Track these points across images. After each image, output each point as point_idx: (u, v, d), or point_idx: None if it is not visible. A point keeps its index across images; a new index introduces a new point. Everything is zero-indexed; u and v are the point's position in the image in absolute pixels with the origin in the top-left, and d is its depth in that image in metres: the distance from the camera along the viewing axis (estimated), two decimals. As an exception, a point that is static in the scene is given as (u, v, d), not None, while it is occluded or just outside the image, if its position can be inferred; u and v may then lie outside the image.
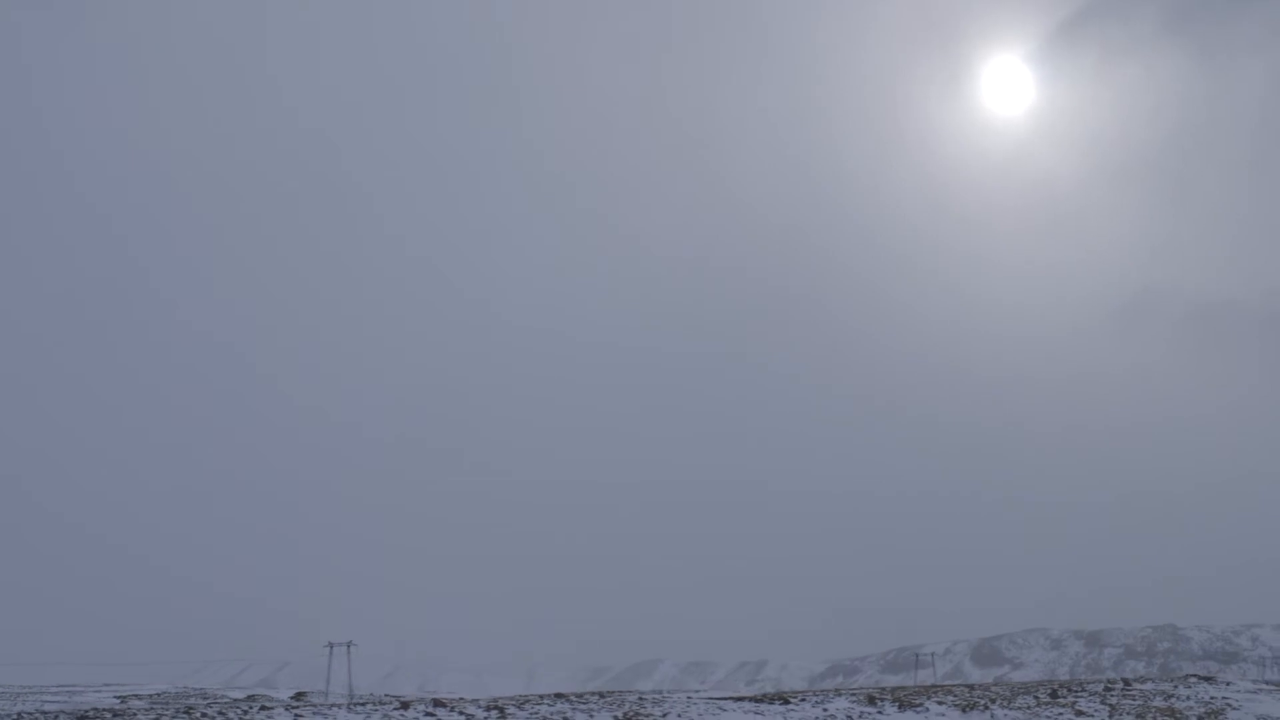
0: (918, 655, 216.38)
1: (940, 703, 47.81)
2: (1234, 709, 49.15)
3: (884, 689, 53.33)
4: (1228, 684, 57.20)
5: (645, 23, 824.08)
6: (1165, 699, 50.88)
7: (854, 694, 50.62)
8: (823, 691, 53.47)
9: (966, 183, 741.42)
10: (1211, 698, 52.01)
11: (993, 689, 53.72)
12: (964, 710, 46.69)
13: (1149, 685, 55.05)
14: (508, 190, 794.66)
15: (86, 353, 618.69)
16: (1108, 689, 53.20)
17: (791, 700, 48.33)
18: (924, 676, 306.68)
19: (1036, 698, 50.13)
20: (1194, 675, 62.92)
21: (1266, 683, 72.91)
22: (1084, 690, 52.84)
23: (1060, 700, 49.43)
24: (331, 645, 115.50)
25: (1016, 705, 47.81)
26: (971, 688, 54.43)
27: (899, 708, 46.79)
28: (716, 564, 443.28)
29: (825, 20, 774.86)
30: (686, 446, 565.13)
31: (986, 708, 47.25)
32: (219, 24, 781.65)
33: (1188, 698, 51.70)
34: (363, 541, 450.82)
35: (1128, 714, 47.00)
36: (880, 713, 46.11)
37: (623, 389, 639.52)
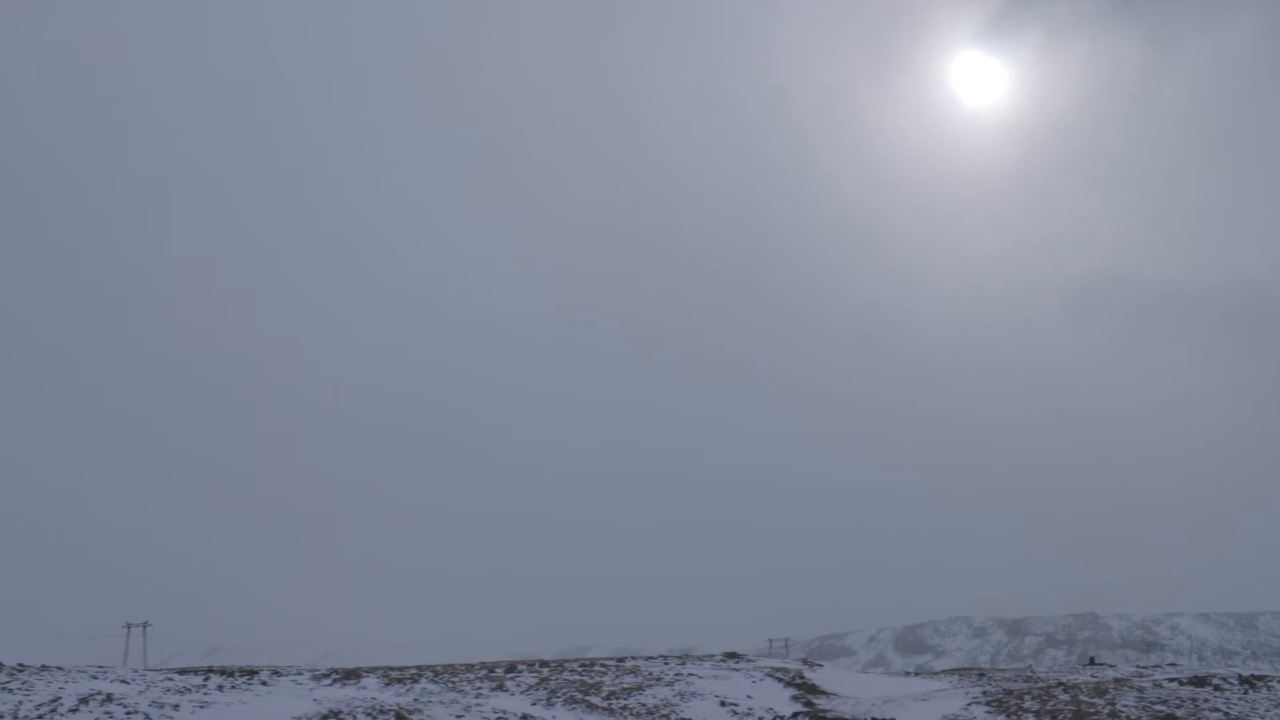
0: (782, 643, 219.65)
1: (380, 678, 52.72)
2: (664, 685, 53.68)
3: (353, 669, 57.86)
4: (735, 664, 61.53)
5: (609, 12, 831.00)
6: (633, 674, 55.45)
7: (323, 673, 55.56)
8: (312, 670, 58.29)
9: (921, 174, 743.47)
10: (676, 674, 56.58)
11: (439, 666, 58.29)
12: (389, 683, 51.59)
13: (628, 662, 59.63)
14: (489, 189, 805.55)
15: (89, 349, 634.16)
16: (585, 667, 57.79)
17: (259, 672, 53.29)
18: (848, 664, 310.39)
19: (491, 672, 54.92)
20: (730, 653, 67.05)
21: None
22: (562, 667, 57.46)
23: (510, 675, 54.19)
24: (129, 625, 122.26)
25: (451, 680, 52.64)
26: (419, 666, 58.95)
27: (334, 681, 51.72)
28: (651, 552, 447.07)
29: (784, 21, 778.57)
30: (629, 436, 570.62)
31: (416, 680, 52.15)
32: (213, 30, 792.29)
33: (649, 673, 56.29)
34: (329, 531, 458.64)
35: (544, 689, 51.72)
36: (319, 684, 51.09)
37: (566, 376, 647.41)
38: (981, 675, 78.15)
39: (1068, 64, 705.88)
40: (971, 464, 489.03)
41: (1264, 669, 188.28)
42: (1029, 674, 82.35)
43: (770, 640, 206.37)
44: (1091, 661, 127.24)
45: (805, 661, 67.39)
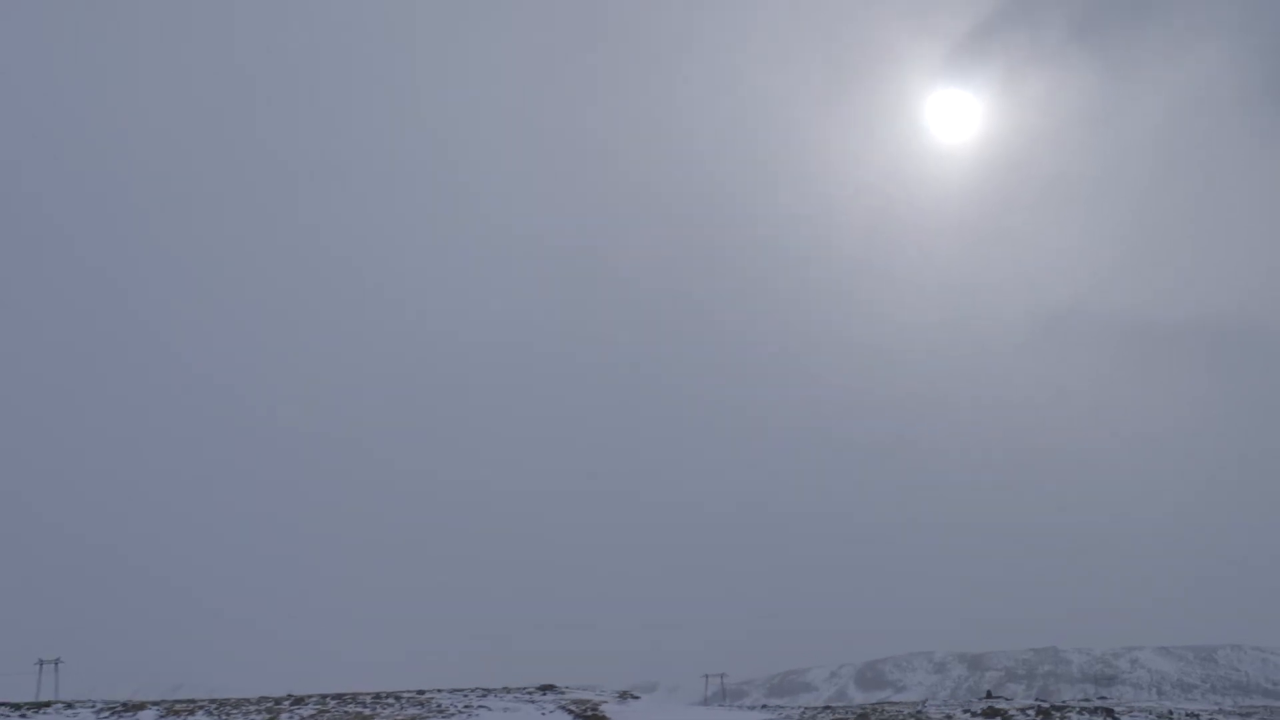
0: (719, 678, 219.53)
1: (160, 711, 53.89)
2: (444, 718, 54.77)
3: (138, 702, 59.10)
4: (540, 696, 62.55)
5: (577, 27, 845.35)
6: (419, 707, 56.53)
7: (104, 706, 56.71)
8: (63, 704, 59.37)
9: (886, 203, 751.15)
10: (465, 706, 57.64)
11: (229, 699, 59.36)
12: (165, 714, 52.79)
13: (426, 694, 60.68)
14: (455, 211, 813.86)
15: (61, 365, 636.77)
16: (376, 699, 58.90)
17: (50, 705, 54.49)
18: (808, 699, 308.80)
19: (277, 703, 56.04)
20: (544, 686, 67.96)
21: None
22: (354, 699, 58.55)
23: (294, 706, 55.32)
24: (41, 662, 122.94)
25: (229, 713, 53.78)
26: (208, 699, 59.95)
27: (114, 715, 52.93)
28: (612, 584, 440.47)
29: (752, 48, 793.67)
30: (584, 458, 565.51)
31: (192, 713, 53.34)
32: (186, 54, 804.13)
33: (436, 705, 57.36)
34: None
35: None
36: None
37: (529, 398, 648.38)
38: (827, 709, 79.01)
39: (1033, 97, 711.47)
40: (936, 495, 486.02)
41: (1223, 703, 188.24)
42: (917, 711, 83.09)
43: (706, 676, 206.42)
44: (989, 695, 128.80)
45: (624, 694, 68.32)
